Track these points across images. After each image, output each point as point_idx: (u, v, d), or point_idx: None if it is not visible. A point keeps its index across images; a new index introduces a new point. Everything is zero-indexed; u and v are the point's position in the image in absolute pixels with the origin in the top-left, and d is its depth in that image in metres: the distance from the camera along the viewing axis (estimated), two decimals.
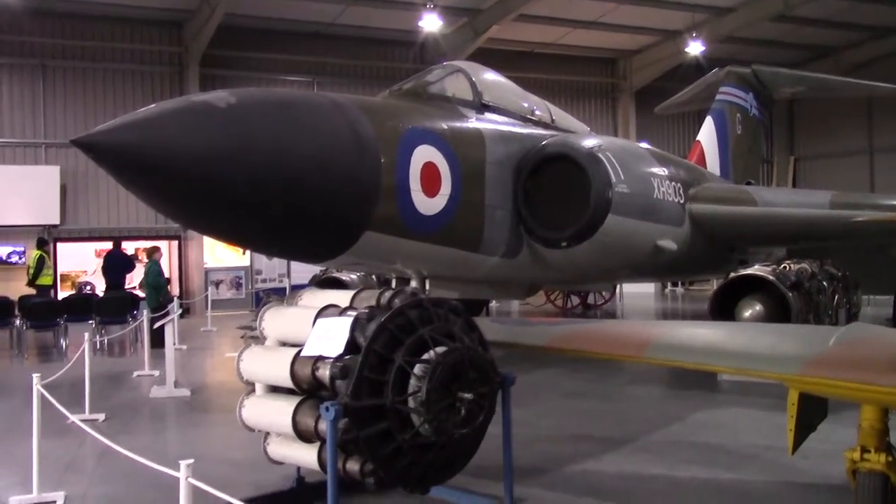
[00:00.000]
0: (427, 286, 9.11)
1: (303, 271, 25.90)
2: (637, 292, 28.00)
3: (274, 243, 7.65)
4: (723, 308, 10.71)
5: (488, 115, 9.85)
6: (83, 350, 9.71)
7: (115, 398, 11.13)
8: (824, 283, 11.08)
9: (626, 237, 10.14)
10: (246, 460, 7.45)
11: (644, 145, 12.65)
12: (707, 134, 18.23)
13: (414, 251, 8.56)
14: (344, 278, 13.79)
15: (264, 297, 17.07)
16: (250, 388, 5.78)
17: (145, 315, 13.71)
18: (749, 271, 10.77)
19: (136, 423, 9.76)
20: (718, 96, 18.84)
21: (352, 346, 5.04)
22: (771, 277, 10.22)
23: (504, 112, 10.20)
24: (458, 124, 9.18)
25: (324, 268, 13.52)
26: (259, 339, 5.83)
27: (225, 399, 11.31)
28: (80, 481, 7.11)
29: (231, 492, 4.07)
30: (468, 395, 5.06)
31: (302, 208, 7.13)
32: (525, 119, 10.59)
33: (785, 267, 10.73)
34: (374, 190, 7.72)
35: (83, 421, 6.83)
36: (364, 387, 4.89)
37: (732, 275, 11.07)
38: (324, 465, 5.24)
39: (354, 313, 5.23)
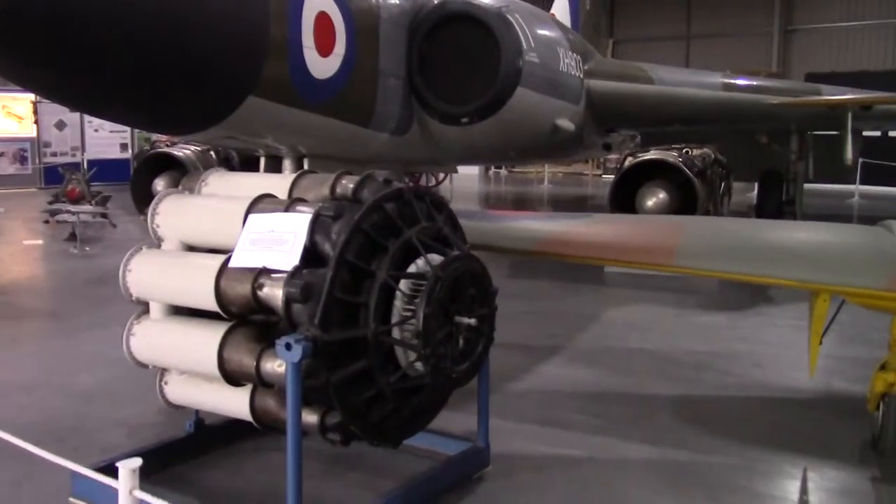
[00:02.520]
0: (306, 167, 7.55)
1: (100, 145, 23.08)
2: (461, 174, 27.14)
3: (135, 109, 5.72)
4: (619, 197, 9.88)
5: None
6: None
7: None
8: (720, 169, 10.50)
9: (528, 114, 8.88)
10: (100, 388, 5.79)
11: None
12: (561, 7, 17.18)
13: (300, 123, 6.88)
14: (177, 154, 11.77)
15: (66, 174, 14.80)
16: (142, 308, 4.13)
17: None
18: (654, 156, 9.91)
19: None
20: None
21: (310, 255, 3.55)
22: (679, 163, 9.41)
23: None
24: None
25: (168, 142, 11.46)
26: (152, 241, 4.15)
27: (42, 303, 9.29)
28: None
29: (100, 436, 2.68)
30: (470, 321, 3.74)
31: (174, 64, 5.30)
32: None
33: (687, 152, 9.97)
34: (261, 44, 5.97)
35: None
36: (335, 313, 3.45)
37: (631, 160, 10.18)
38: (261, 417, 3.80)
39: (307, 208, 3.70)
